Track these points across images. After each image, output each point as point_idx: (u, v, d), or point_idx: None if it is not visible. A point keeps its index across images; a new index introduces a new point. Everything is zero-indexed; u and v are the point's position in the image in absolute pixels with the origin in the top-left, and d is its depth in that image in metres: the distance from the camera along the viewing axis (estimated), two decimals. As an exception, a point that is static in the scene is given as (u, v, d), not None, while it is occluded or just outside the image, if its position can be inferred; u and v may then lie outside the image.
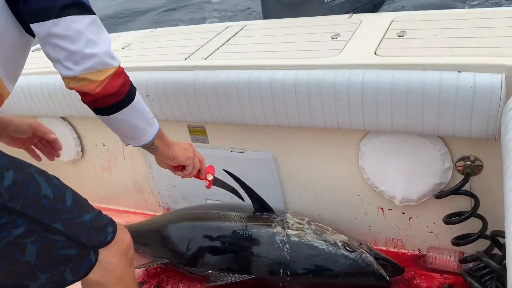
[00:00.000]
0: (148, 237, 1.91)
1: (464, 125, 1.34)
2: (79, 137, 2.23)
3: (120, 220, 2.30)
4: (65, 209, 1.11)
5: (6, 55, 1.07)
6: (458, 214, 1.54)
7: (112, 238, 1.21)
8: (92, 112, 1.16)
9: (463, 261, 1.56)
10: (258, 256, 1.62)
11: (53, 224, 1.06)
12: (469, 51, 1.41)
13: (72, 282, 1.16)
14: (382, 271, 1.56)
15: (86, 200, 1.21)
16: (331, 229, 1.67)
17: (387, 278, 1.55)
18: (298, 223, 1.67)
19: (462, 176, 1.52)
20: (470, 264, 1.61)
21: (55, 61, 1.05)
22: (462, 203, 1.58)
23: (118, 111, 1.14)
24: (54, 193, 1.09)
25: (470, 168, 1.47)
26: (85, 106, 1.98)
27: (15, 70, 1.13)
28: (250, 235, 1.65)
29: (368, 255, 1.57)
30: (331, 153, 1.70)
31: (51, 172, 1.14)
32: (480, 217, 1.50)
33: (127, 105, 1.15)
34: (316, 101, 1.49)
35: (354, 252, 1.57)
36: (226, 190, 1.69)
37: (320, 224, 1.69)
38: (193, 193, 2.13)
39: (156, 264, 1.85)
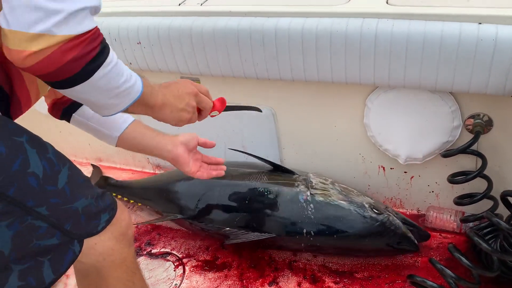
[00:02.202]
0: (158, 192, 1.81)
1: (481, 80, 1.28)
2: (61, 88, 2.08)
3: (106, 176, 2.23)
4: (55, 192, 0.91)
5: None
6: (462, 174, 1.51)
7: (104, 227, 1.04)
8: None
9: (465, 220, 1.53)
10: (280, 215, 1.53)
11: (36, 208, 0.88)
12: (488, 2, 1.32)
13: (50, 282, 0.94)
14: (410, 235, 1.49)
15: (86, 180, 1.01)
16: (355, 191, 1.60)
17: (415, 242, 1.50)
18: (322, 183, 1.59)
19: (469, 135, 1.47)
20: (471, 224, 1.60)
21: None
22: (465, 163, 1.55)
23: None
24: (46, 171, 0.89)
25: (480, 127, 1.42)
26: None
27: None
28: (272, 193, 1.57)
29: (395, 218, 1.51)
30: (335, 109, 1.62)
31: (29, 126, 0.94)
32: (485, 177, 1.47)
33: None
34: (325, 52, 1.40)
35: (382, 215, 1.49)
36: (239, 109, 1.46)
37: (344, 186, 1.62)
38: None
39: (167, 219, 1.76)
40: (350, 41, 1.35)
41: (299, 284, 1.56)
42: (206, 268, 1.67)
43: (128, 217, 1.12)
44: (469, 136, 1.47)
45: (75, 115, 1.23)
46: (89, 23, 0.79)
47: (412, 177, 1.67)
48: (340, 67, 1.41)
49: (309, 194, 1.52)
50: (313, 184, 1.57)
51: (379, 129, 1.57)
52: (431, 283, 1.33)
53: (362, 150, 1.68)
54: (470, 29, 1.23)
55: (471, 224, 1.59)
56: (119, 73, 0.88)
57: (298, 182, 1.58)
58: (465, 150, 1.43)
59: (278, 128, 1.78)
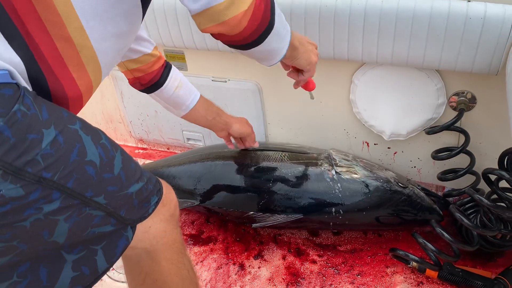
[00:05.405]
0: (172, 177, 1.67)
1: (468, 58, 1.29)
2: (39, 59, 2.01)
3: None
4: (112, 179, 0.87)
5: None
6: (446, 150, 1.54)
7: (153, 210, 1.01)
8: None
9: (448, 195, 1.57)
10: (307, 195, 1.50)
11: (95, 198, 0.84)
12: (477, -21, 1.32)
13: (103, 271, 0.91)
14: (435, 206, 1.50)
15: (136, 163, 0.97)
16: (377, 165, 1.60)
17: (440, 212, 1.50)
18: (345, 159, 1.57)
19: (452, 112, 1.50)
20: (451, 199, 1.64)
21: None
22: (447, 139, 1.58)
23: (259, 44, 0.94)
24: (102, 158, 0.84)
25: (464, 104, 1.45)
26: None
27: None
28: (296, 173, 1.52)
29: (419, 190, 1.52)
30: (321, 85, 1.59)
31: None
32: (468, 153, 1.50)
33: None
34: (313, 27, 1.38)
35: (407, 188, 1.50)
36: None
37: (365, 160, 1.61)
38: (168, 124, 2.01)
39: (183, 207, 1.61)
40: (339, 16, 1.34)
41: (283, 257, 1.59)
42: (191, 242, 1.69)
43: (175, 197, 1.09)
44: (451, 113, 1.49)
45: (152, 94, 1.36)
46: None
47: (395, 153, 1.70)
48: (328, 43, 1.40)
49: (334, 172, 1.50)
50: (337, 161, 1.55)
51: (365, 106, 1.58)
52: (413, 256, 1.38)
53: (347, 126, 1.69)
54: (459, 7, 1.24)
55: (451, 199, 1.64)
56: (279, 13, 0.94)
57: (321, 160, 1.55)
58: (450, 127, 1.45)
59: (263, 103, 1.77)
